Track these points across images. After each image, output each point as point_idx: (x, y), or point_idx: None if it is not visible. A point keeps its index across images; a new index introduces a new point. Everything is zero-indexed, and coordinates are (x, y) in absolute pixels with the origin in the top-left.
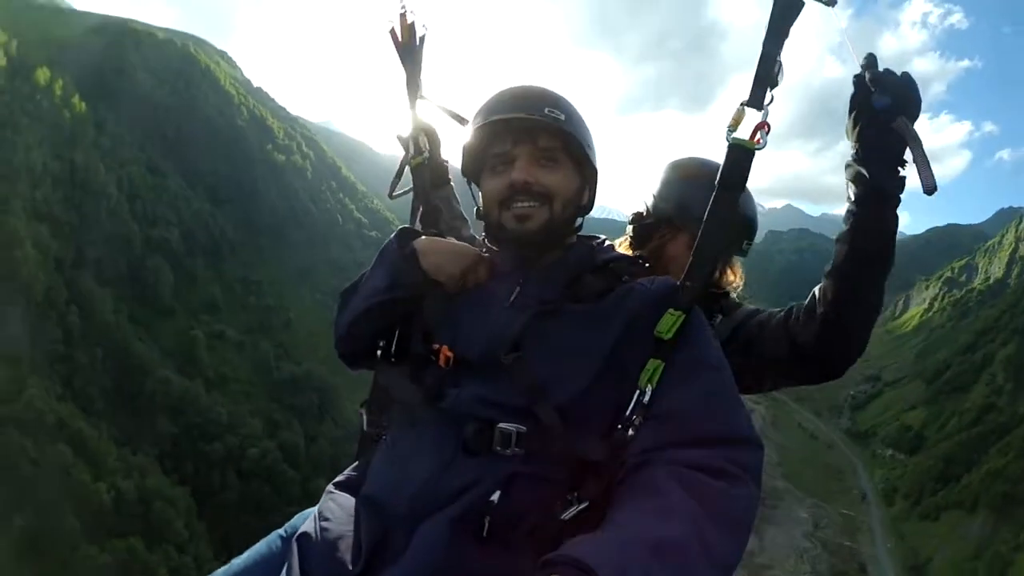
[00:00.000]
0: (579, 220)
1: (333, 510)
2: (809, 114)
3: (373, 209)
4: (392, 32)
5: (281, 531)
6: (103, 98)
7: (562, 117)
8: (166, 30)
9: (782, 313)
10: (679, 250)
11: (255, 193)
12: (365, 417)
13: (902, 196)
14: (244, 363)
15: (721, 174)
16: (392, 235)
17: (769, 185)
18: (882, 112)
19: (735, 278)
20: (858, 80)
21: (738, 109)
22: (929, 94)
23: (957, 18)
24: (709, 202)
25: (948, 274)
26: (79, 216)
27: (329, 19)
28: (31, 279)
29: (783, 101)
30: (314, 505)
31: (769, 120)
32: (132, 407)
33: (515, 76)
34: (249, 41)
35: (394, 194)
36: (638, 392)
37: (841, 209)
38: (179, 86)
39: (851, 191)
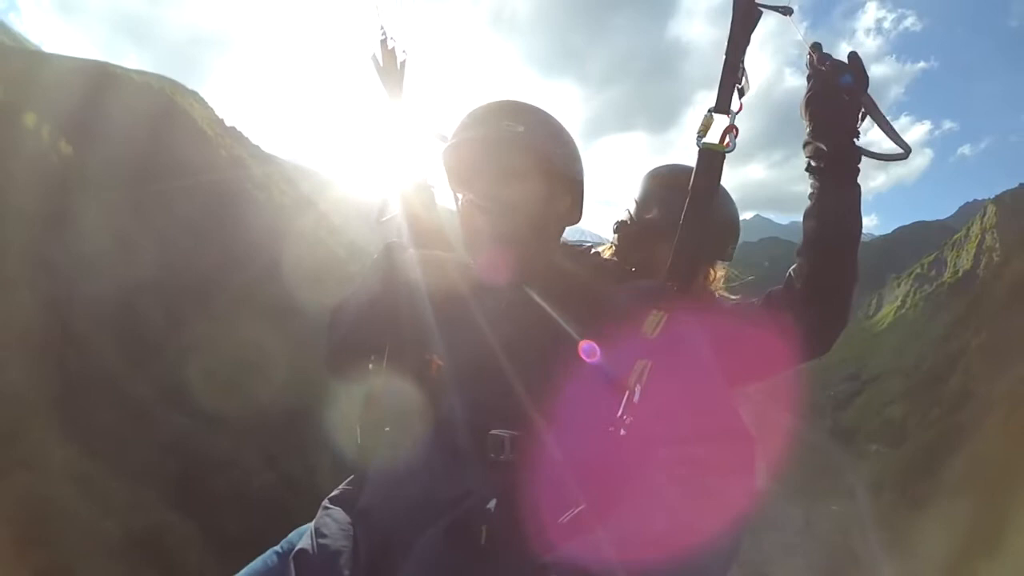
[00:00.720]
0: (562, 229)
1: (329, 525)
2: (771, 125)
3: (352, 243)
4: (374, 58)
5: (277, 548)
6: (86, 140)
7: (520, 129)
8: (142, 72)
9: (761, 299)
10: (664, 255)
11: (238, 230)
12: (359, 432)
13: (859, 166)
14: (239, 399)
15: (693, 178)
16: (380, 250)
17: (736, 197)
18: (847, 88)
19: (718, 278)
20: (817, 64)
21: (706, 115)
22: (888, 97)
23: (911, 21)
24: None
25: (919, 270)
26: (71, 258)
27: (298, 55)
28: (28, 322)
29: (746, 114)
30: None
31: (737, 124)
32: (134, 445)
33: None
34: (219, 81)
35: (381, 220)
36: (628, 392)
37: None
38: (158, 127)
39: (812, 167)
